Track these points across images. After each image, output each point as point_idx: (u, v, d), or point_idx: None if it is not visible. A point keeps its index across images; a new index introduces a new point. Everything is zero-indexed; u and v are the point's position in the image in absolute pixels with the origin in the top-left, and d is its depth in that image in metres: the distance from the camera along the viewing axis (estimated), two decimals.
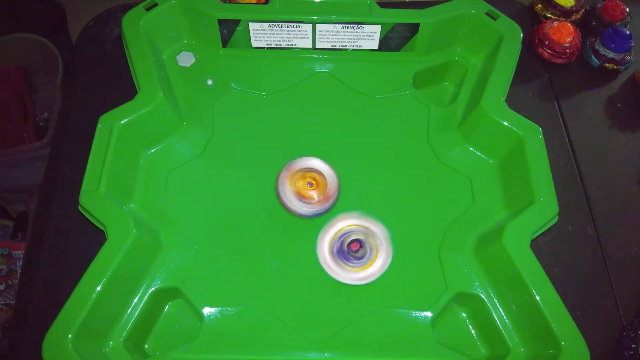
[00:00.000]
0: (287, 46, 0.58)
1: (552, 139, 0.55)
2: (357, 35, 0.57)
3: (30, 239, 0.80)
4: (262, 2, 0.59)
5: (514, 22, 0.56)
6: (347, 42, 0.58)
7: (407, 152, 0.54)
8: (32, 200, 0.87)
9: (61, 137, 0.56)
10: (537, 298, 0.42)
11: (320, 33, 0.57)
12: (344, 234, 0.48)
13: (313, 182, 0.50)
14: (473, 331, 0.47)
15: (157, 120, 0.50)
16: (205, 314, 0.45)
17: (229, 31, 0.56)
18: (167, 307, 0.47)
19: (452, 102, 0.57)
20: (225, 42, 0.58)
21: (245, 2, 0.59)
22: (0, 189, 0.91)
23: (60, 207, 0.51)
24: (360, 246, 0.48)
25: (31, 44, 0.95)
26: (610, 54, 0.61)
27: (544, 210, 0.46)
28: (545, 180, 0.47)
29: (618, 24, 0.64)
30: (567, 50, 0.61)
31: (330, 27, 0.56)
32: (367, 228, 0.49)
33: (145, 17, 0.54)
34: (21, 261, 0.85)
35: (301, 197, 0.49)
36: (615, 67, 0.62)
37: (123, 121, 0.48)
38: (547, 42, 0.61)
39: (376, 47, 0.58)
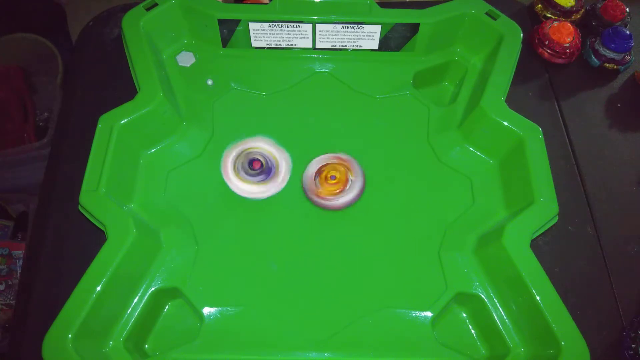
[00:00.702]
0: (287, 46, 0.58)
1: (552, 139, 0.55)
2: (357, 35, 0.57)
3: (30, 239, 0.80)
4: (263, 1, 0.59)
5: (514, 22, 0.56)
6: (347, 42, 0.58)
7: (407, 152, 0.54)
8: (32, 200, 0.88)
9: (61, 137, 0.56)
10: (537, 298, 0.42)
11: (320, 33, 0.57)
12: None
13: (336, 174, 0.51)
14: (473, 331, 0.47)
15: (157, 120, 0.50)
16: (205, 314, 0.45)
17: (229, 31, 0.56)
18: (167, 307, 0.47)
19: (452, 102, 0.57)
20: (225, 42, 0.58)
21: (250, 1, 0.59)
22: (0, 189, 0.91)
23: (60, 207, 0.51)
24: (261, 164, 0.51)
25: (31, 44, 0.95)
26: (610, 54, 0.61)
27: (544, 210, 0.46)
28: (545, 180, 0.47)
29: (618, 24, 0.64)
30: (567, 50, 0.61)
31: (330, 27, 0.56)
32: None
33: (145, 17, 0.54)
34: (21, 261, 0.85)
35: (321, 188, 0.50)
36: (615, 67, 0.62)
37: (123, 121, 0.48)
38: (547, 42, 0.61)
39: (376, 47, 0.58)
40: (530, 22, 0.65)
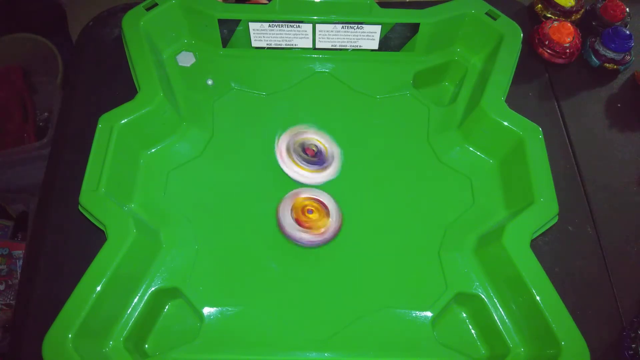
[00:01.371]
0: (287, 46, 0.58)
1: (552, 139, 0.55)
2: (357, 35, 0.57)
3: (30, 239, 0.80)
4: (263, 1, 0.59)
5: (514, 22, 0.56)
6: (347, 42, 0.58)
7: (407, 152, 0.54)
8: (32, 200, 0.88)
9: (61, 137, 0.56)
10: (537, 298, 0.42)
11: (320, 33, 0.57)
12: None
13: (313, 209, 0.50)
14: (473, 331, 0.47)
15: (157, 120, 0.50)
16: (205, 314, 0.45)
17: (229, 31, 0.57)
18: (167, 307, 0.47)
19: (452, 102, 0.57)
20: (225, 42, 0.58)
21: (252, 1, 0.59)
22: (0, 189, 0.91)
23: (60, 207, 0.51)
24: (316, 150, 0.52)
25: (31, 44, 0.95)
26: (610, 54, 0.61)
27: (544, 210, 0.46)
28: (545, 180, 0.47)
29: (618, 24, 0.64)
30: (567, 50, 0.61)
31: (330, 27, 0.56)
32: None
33: (145, 17, 0.54)
34: (21, 261, 0.85)
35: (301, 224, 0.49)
36: (615, 67, 0.62)
37: (123, 121, 0.48)
38: (547, 42, 0.61)
39: (376, 47, 0.58)
40: (530, 22, 0.65)
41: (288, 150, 0.52)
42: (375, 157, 0.54)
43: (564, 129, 0.58)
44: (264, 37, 0.57)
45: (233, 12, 0.55)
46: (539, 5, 0.66)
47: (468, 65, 0.59)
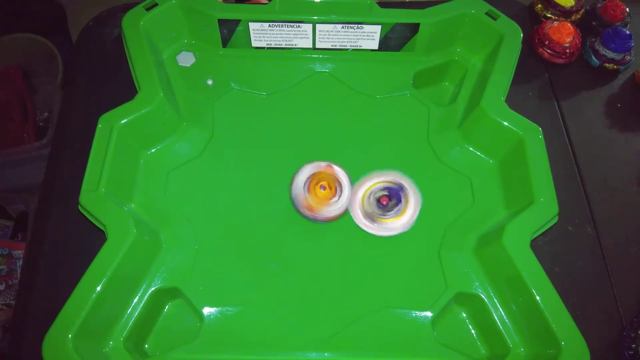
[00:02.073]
0: (287, 46, 0.58)
1: (552, 139, 0.55)
2: (357, 35, 0.57)
3: (30, 239, 0.80)
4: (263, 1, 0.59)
5: (514, 22, 0.56)
6: (347, 42, 0.58)
7: (407, 152, 0.54)
8: (32, 200, 0.88)
9: (61, 137, 0.56)
10: (537, 298, 0.42)
11: (320, 33, 0.57)
12: (372, 192, 0.50)
13: (326, 185, 0.50)
14: (473, 331, 0.47)
15: (157, 120, 0.50)
16: (205, 314, 0.45)
17: (229, 31, 0.56)
18: (167, 307, 0.47)
19: (452, 102, 0.57)
20: (225, 42, 0.58)
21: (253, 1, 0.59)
22: (0, 189, 0.91)
23: (60, 207, 0.51)
24: (389, 199, 0.50)
25: (31, 44, 0.95)
26: (610, 54, 0.61)
27: (544, 210, 0.46)
28: (545, 180, 0.47)
29: (618, 24, 0.64)
30: (567, 50, 0.61)
31: (330, 27, 0.56)
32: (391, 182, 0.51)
33: (145, 17, 0.54)
34: (21, 261, 0.85)
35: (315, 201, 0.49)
36: (615, 67, 0.62)
37: (123, 121, 0.48)
38: (547, 42, 0.61)
39: (376, 47, 0.58)
40: (530, 22, 0.65)
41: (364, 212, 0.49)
42: (376, 157, 0.54)
43: (564, 129, 0.58)
44: (264, 37, 0.57)
45: (233, 12, 0.55)
46: (539, 5, 0.66)
47: (468, 65, 0.59)
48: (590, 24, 0.65)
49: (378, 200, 0.50)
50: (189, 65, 0.58)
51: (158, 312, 0.47)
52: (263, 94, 0.57)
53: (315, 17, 0.55)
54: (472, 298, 0.46)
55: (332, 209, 0.49)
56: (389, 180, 0.51)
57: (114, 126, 0.48)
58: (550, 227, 0.48)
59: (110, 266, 0.42)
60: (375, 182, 0.51)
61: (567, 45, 0.61)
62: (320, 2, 0.56)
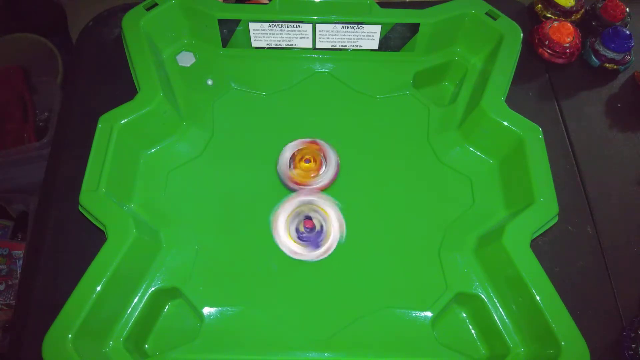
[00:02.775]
0: (287, 46, 0.58)
1: (552, 139, 0.55)
2: (357, 35, 0.57)
3: (30, 239, 0.80)
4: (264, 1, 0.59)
5: (514, 22, 0.56)
6: (347, 42, 0.58)
7: (407, 152, 0.54)
8: (32, 200, 0.88)
9: (61, 137, 0.56)
10: (537, 298, 0.42)
11: (320, 33, 0.57)
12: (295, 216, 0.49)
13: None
14: (473, 331, 0.47)
15: (157, 120, 0.50)
16: (205, 314, 0.45)
17: (229, 31, 0.56)
18: (167, 307, 0.47)
19: (452, 102, 0.57)
20: (225, 42, 0.58)
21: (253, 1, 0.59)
22: (0, 189, 0.91)
23: (60, 207, 0.51)
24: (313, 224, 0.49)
25: (31, 44, 0.95)
26: (610, 54, 0.61)
27: (544, 210, 0.46)
28: (545, 180, 0.47)
29: (618, 24, 0.64)
30: (567, 50, 0.61)
31: (330, 27, 0.56)
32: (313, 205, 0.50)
33: (145, 17, 0.54)
34: (21, 261, 0.85)
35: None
36: (615, 67, 0.62)
37: (123, 121, 0.48)
38: (547, 42, 0.61)
39: (376, 47, 0.58)
40: (530, 22, 0.65)
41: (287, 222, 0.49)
42: (375, 158, 0.54)
43: (564, 129, 0.58)
44: (264, 37, 0.57)
45: (233, 12, 0.55)
46: (539, 5, 0.66)
47: (468, 65, 0.59)
48: (590, 24, 0.65)
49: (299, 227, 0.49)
50: (189, 65, 0.58)
51: (158, 312, 0.47)
52: (263, 94, 0.57)
53: (315, 17, 0.55)
54: (472, 298, 0.46)
55: (319, 180, 0.50)
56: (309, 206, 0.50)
57: (114, 126, 0.48)
58: (550, 227, 0.48)
59: (110, 266, 0.42)
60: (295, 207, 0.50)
61: (567, 45, 0.61)
62: (320, 2, 0.56)
